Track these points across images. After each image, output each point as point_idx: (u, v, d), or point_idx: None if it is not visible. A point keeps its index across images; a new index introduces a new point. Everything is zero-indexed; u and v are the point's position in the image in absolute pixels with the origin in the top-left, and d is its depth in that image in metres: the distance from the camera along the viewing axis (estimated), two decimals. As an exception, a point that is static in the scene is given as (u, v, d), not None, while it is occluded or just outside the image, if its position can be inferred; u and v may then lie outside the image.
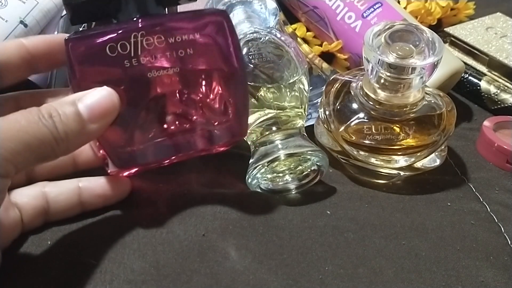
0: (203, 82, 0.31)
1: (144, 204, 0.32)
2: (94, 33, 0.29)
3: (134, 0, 0.30)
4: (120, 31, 0.29)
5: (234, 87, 0.31)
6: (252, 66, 0.36)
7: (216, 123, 0.31)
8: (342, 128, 0.36)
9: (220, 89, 0.31)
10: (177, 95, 0.30)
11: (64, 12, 0.40)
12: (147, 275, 0.27)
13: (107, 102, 0.27)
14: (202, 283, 0.27)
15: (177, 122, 0.30)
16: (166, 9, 0.33)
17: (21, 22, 0.44)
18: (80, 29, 0.39)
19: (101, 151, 0.30)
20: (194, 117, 0.31)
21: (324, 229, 0.32)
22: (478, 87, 0.49)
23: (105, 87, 0.28)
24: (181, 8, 0.35)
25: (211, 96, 0.31)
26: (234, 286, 0.27)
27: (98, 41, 0.29)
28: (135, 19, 0.30)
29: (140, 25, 0.29)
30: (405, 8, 0.53)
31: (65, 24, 0.40)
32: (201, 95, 0.31)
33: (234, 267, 0.28)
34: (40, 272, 0.25)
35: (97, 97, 0.27)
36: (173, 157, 0.31)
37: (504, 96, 0.47)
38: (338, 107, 0.37)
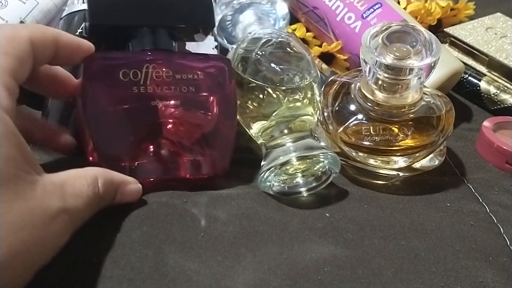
0: (199, 118, 0.34)
1: (145, 203, 0.32)
2: (112, 57, 0.33)
3: (148, 31, 0.34)
4: (135, 60, 0.33)
5: (225, 124, 0.35)
6: (266, 66, 0.36)
7: (202, 156, 0.34)
8: (341, 129, 0.36)
9: (211, 127, 0.34)
10: (173, 125, 0.34)
11: (64, 13, 0.41)
12: (147, 275, 0.27)
13: (136, 196, 0.31)
14: (202, 283, 0.27)
15: (167, 149, 0.33)
16: (175, 43, 0.36)
17: (21, 22, 0.44)
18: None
19: (91, 158, 0.32)
20: (184, 147, 0.34)
21: (323, 230, 0.32)
22: (478, 88, 0.49)
23: (139, 185, 0.31)
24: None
25: (203, 130, 0.34)
26: (234, 286, 0.28)
27: (113, 65, 0.32)
28: (149, 52, 0.34)
29: (153, 58, 0.33)
30: (405, 8, 0.53)
31: (65, 25, 0.40)
32: (194, 129, 0.34)
33: (234, 266, 0.29)
34: (40, 271, 0.25)
35: (133, 190, 0.31)
36: (157, 178, 0.34)
37: (503, 96, 0.47)
38: (337, 109, 0.37)
